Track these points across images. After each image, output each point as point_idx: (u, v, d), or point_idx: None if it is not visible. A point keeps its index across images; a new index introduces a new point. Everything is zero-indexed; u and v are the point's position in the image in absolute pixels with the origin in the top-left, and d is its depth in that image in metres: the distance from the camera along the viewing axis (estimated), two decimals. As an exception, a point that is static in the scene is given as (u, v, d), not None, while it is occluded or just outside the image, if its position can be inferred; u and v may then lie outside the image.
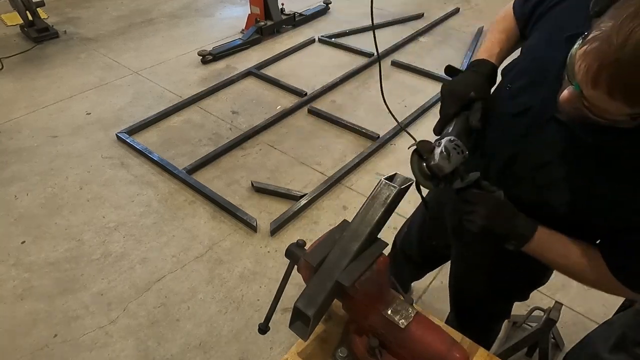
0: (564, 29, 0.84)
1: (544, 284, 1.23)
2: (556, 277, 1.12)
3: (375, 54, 3.57)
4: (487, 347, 1.52)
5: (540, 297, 2.04)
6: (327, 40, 4.26)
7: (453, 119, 0.92)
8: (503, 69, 1.03)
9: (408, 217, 1.65)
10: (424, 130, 3.15)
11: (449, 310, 1.58)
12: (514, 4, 1.10)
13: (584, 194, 0.82)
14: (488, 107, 0.92)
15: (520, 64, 0.96)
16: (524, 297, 1.30)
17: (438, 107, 3.13)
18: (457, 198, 0.90)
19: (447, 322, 1.45)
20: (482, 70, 0.97)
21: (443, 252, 1.40)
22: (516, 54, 1.04)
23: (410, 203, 2.53)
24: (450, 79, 0.98)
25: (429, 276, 1.96)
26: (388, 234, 1.82)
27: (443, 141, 0.85)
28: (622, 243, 0.83)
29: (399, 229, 1.77)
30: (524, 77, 0.92)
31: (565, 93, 0.72)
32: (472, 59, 1.01)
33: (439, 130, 0.93)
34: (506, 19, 1.10)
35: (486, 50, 1.03)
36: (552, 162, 0.85)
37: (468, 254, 1.27)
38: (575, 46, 0.69)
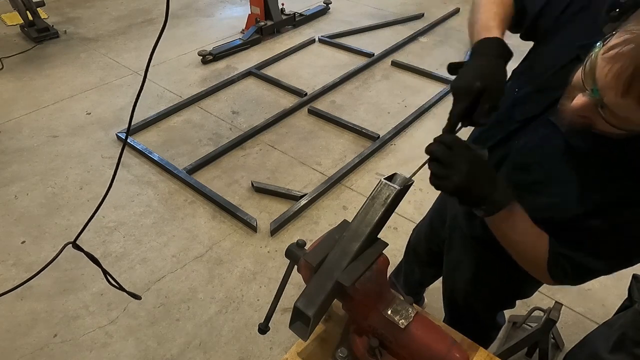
0: (576, 37, 0.81)
1: (528, 296, 1.24)
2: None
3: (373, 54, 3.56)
4: (485, 342, 1.55)
5: (541, 297, 2.04)
6: (327, 41, 4.26)
7: (462, 118, 0.81)
8: (514, 70, 1.00)
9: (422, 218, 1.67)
10: (424, 130, 3.16)
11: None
12: None
13: (569, 198, 0.81)
14: (499, 93, 0.78)
15: (530, 70, 0.96)
16: (510, 305, 1.31)
17: (438, 107, 3.12)
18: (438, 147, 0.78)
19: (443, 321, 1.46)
20: (487, 51, 0.83)
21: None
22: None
23: (410, 203, 2.56)
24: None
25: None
26: (388, 234, 1.82)
27: None
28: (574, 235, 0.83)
29: (398, 228, 1.77)
30: (532, 84, 0.92)
31: (578, 100, 0.68)
32: (472, 43, 0.89)
33: (448, 132, 0.83)
34: None
35: (485, 28, 0.88)
36: (539, 164, 0.87)
37: (456, 257, 1.29)
38: (596, 50, 0.65)
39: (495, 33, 0.85)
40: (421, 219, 1.65)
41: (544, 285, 1.23)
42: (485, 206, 0.82)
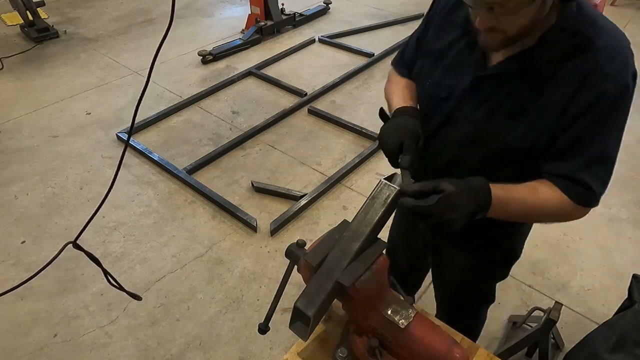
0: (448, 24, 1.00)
1: (518, 257, 1.25)
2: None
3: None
4: (475, 335, 1.54)
5: (540, 297, 2.04)
6: (327, 41, 4.26)
7: (397, 156, 0.96)
8: (413, 72, 1.14)
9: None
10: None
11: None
12: (393, 65, 1.22)
13: (529, 119, 0.88)
14: (418, 142, 0.97)
15: (427, 63, 1.05)
16: (502, 274, 1.32)
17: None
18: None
19: (436, 316, 1.46)
20: (408, 112, 1.02)
21: (424, 248, 1.41)
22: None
23: (410, 203, 2.55)
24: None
25: (429, 276, 1.96)
26: (388, 234, 1.82)
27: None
28: (569, 163, 0.87)
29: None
30: (435, 69, 1.02)
31: (477, 20, 0.80)
32: (391, 110, 1.07)
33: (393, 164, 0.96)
34: (401, 80, 1.17)
35: (402, 100, 1.08)
36: (490, 104, 0.92)
37: (442, 245, 1.31)
38: None
39: (409, 103, 1.06)
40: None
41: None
42: (481, 212, 0.84)
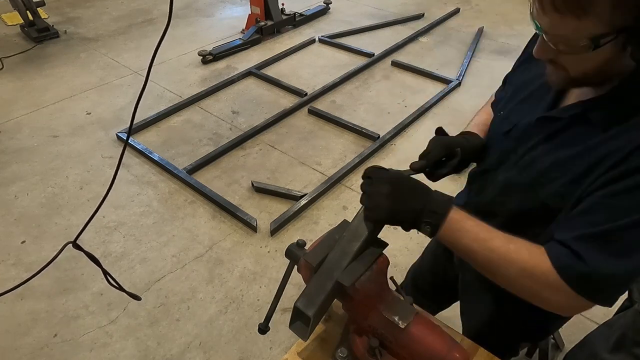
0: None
1: (547, 334, 1.18)
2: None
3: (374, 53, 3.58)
4: None
5: (540, 298, 2.03)
6: (327, 41, 4.26)
7: (434, 163, 0.93)
8: (492, 102, 1.09)
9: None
10: (424, 130, 3.16)
11: (452, 314, 1.56)
12: (496, 92, 1.14)
13: (568, 173, 0.77)
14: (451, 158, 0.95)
15: (508, 92, 0.99)
16: (532, 338, 1.21)
17: (438, 107, 3.13)
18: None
19: None
20: (471, 138, 1.01)
21: (454, 285, 1.30)
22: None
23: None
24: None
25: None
26: (388, 234, 1.82)
27: None
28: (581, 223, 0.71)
29: (398, 228, 1.72)
30: (512, 101, 0.95)
31: (536, 46, 0.73)
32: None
33: (417, 168, 0.91)
34: (488, 107, 1.12)
35: (476, 125, 1.07)
36: (537, 149, 0.83)
37: (470, 285, 1.20)
38: None
39: (477, 130, 1.05)
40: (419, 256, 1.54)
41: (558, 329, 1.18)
42: (428, 219, 0.76)
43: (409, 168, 0.91)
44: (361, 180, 0.84)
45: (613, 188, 0.68)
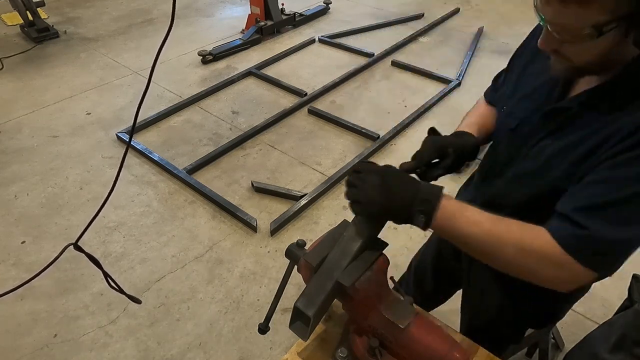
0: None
1: (559, 318, 1.18)
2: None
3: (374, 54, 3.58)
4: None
5: (540, 297, 2.04)
6: (327, 41, 4.26)
7: (426, 164, 0.95)
8: (492, 102, 1.11)
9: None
10: (424, 130, 3.13)
11: (449, 311, 1.58)
12: (485, 93, 1.16)
13: (576, 160, 0.78)
14: (459, 162, 0.98)
15: (509, 88, 1.00)
16: (539, 325, 1.22)
17: (438, 107, 3.13)
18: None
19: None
20: (464, 136, 1.03)
21: (456, 275, 1.30)
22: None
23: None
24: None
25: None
26: (388, 234, 1.83)
27: None
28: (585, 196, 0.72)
29: (398, 228, 1.74)
30: (514, 97, 0.96)
31: (540, 38, 0.74)
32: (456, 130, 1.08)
33: (407, 169, 0.92)
34: (480, 107, 1.15)
35: (468, 126, 1.08)
36: (547, 139, 0.84)
37: (477, 276, 1.19)
38: None
39: (470, 130, 1.06)
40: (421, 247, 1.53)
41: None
42: (421, 207, 0.76)
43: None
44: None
45: (614, 161, 0.70)
